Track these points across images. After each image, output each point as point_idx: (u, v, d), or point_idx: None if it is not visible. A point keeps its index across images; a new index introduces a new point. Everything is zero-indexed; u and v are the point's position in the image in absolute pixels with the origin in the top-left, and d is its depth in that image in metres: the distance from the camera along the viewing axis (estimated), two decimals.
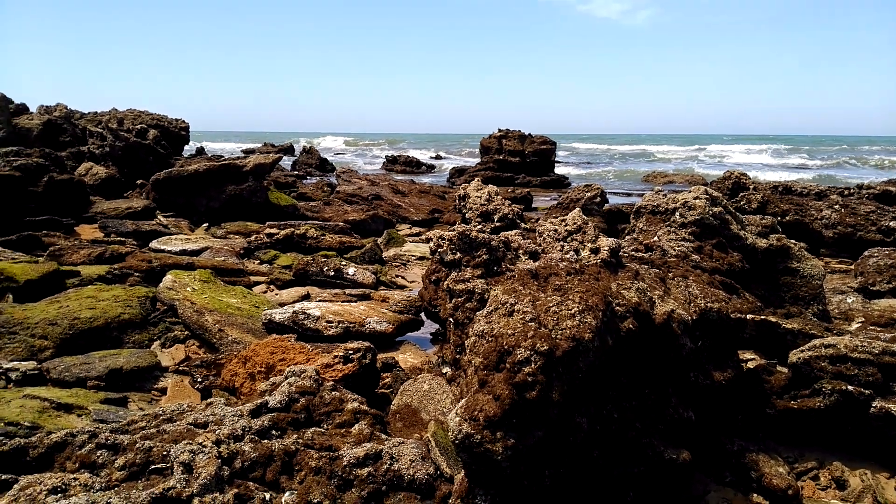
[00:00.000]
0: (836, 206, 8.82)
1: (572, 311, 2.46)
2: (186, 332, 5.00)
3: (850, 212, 8.72)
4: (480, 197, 5.17)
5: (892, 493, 3.13)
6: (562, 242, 3.66)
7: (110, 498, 2.07)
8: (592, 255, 3.40)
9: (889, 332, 3.95)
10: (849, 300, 5.51)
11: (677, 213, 4.91)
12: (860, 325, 4.28)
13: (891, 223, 8.42)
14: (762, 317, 4.24)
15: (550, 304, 2.51)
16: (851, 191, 9.36)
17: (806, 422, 3.44)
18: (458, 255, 3.82)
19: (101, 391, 3.88)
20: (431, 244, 4.13)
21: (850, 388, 3.28)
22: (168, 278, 5.53)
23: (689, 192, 5.11)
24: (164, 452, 2.37)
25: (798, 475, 3.29)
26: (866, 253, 6.54)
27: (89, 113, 24.86)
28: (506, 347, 2.31)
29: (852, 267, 7.02)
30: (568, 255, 3.45)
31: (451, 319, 3.66)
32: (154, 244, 7.86)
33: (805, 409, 3.39)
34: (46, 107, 23.73)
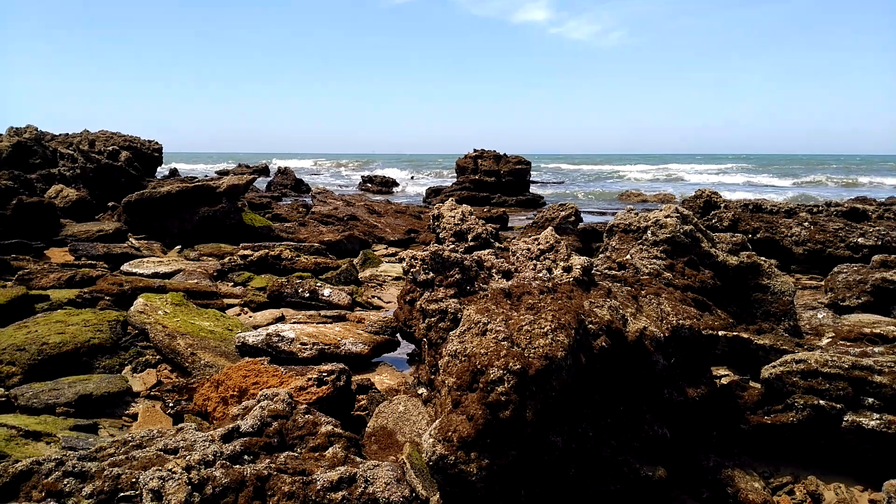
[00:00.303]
0: (806, 224, 8.97)
1: (545, 330, 2.47)
2: (158, 357, 4.92)
3: (820, 229, 8.87)
4: (454, 216, 5.18)
5: None
6: (535, 261, 3.67)
7: None
8: (565, 274, 3.42)
9: (858, 346, 4.01)
10: (819, 316, 5.59)
11: (649, 232, 4.97)
12: (830, 340, 4.34)
13: (859, 240, 8.58)
14: (734, 333, 4.28)
15: (523, 323, 2.51)
16: (820, 208, 9.52)
17: (780, 437, 3.46)
18: (431, 274, 3.82)
19: (71, 418, 3.80)
20: (404, 264, 4.12)
21: (821, 402, 3.31)
22: (139, 302, 5.45)
23: (661, 210, 5.17)
24: (133, 479, 2.32)
25: (773, 490, 3.30)
26: (836, 269, 6.65)
27: (60, 135, 24.57)
28: (479, 367, 2.31)
29: (822, 283, 7.13)
30: (541, 274, 3.47)
31: (425, 339, 3.65)
32: (125, 267, 7.75)
33: (778, 424, 3.42)
34: (16, 128, 23.40)
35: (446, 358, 2.45)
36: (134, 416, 4.05)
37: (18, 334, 4.62)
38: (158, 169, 24.26)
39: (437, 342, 3.44)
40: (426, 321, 3.51)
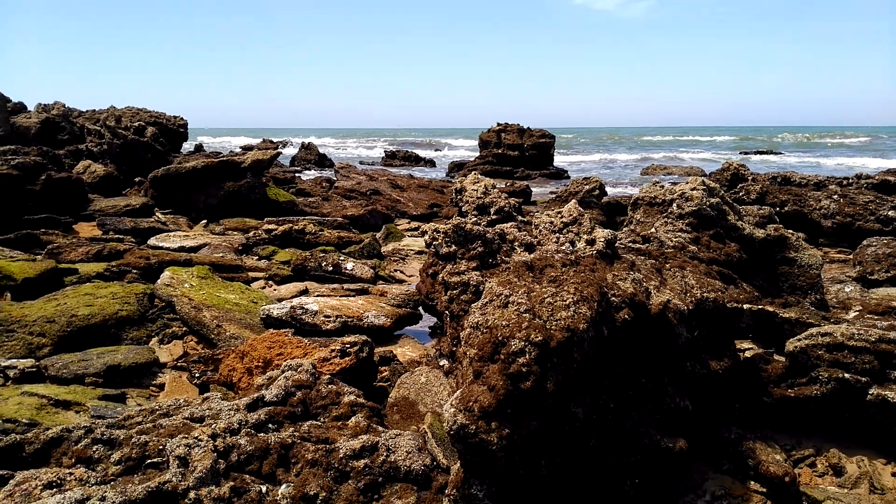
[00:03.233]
0: (835, 197, 8.82)
1: (567, 302, 2.46)
2: (184, 329, 5.00)
3: (849, 202, 8.71)
4: (477, 190, 5.17)
5: (888, 479, 3.13)
6: (557, 234, 3.65)
7: (106, 492, 2.07)
8: (588, 247, 3.40)
9: (886, 320, 3.96)
10: (847, 289, 5.51)
11: (674, 205, 4.91)
12: (857, 313, 4.28)
13: (889, 213, 8.41)
14: (760, 306, 4.24)
15: (545, 296, 2.51)
16: (850, 180, 9.34)
17: (803, 410, 3.44)
18: (454, 247, 3.82)
19: (99, 388, 3.88)
20: (426, 237, 4.13)
21: (846, 375, 3.28)
22: (166, 275, 5.53)
23: (687, 183, 5.11)
24: (160, 447, 2.37)
25: (795, 462, 3.29)
26: (865, 242, 6.54)
27: (87, 111, 24.85)
28: (500, 339, 2.31)
29: (850, 256, 7.02)
30: (563, 247, 3.45)
31: (447, 312, 3.66)
32: (152, 241, 7.86)
33: (802, 398, 3.40)
34: (44, 105, 23.71)
35: (468, 330, 2.45)
36: (161, 387, 4.13)
37: (48, 306, 4.72)
38: (184, 144, 24.47)
39: (459, 314, 3.45)
40: (448, 294, 3.52)
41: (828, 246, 8.56)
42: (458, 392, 2.32)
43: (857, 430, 3.38)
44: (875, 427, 3.32)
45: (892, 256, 6.06)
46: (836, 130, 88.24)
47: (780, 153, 40.79)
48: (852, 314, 4.26)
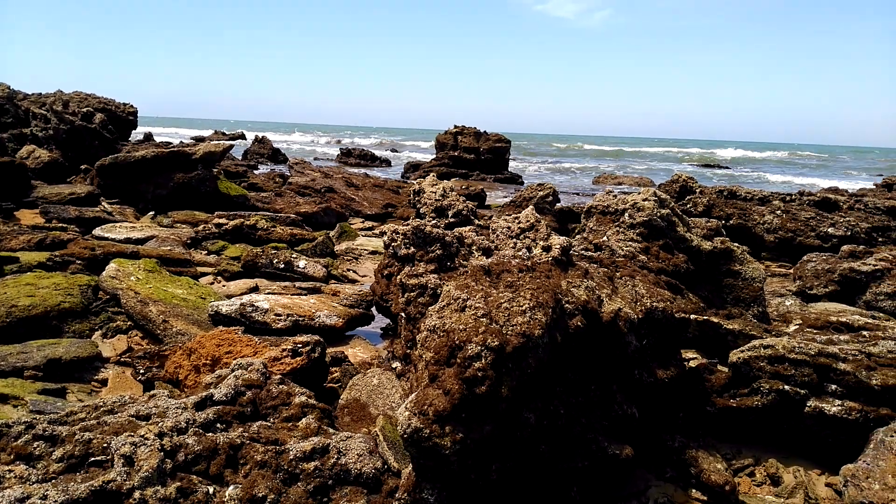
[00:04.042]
0: (778, 212, 9.10)
1: (523, 308, 2.49)
2: (129, 323, 4.88)
3: (791, 217, 9.00)
4: (435, 192, 5.17)
5: (822, 490, 3.25)
6: (514, 240, 3.69)
7: (47, 490, 2.01)
8: (544, 253, 3.44)
9: (824, 334, 4.10)
10: (787, 303, 5.69)
11: (626, 214, 5.00)
12: (797, 327, 4.43)
13: (829, 230, 8.73)
14: (705, 317, 4.35)
15: (502, 301, 2.53)
16: (793, 197, 9.66)
17: (744, 420, 3.55)
18: (412, 249, 3.82)
19: (39, 381, 3.76)
20: (385, 238, 4.12)
21: (786, 387, 3.39)
22: (111, 267, 5.39)
23: (639, 193, 5.21)
24: (105, 444, 2.31)
25: (735, 471, 3.39)
26: (805, 258, 6.77)
27: (33, 94, 24.01)
28: (457, 342, 2.32)
29: (791, 271, 7.26)
30: (520, 253, 3.48)
31: (402, 314, 3.66)
32: (97, 231, 7.64)
33: (744, 408, 3.50)
34: None
35: (425, 333, 2.46)
36: (103, 382, 4.02)
37: None
38: (133, 133, 23.83)
39: (416, 317, 3.45)
40: (405, 295, 3.52)
41: (770, 260, 8.83)
42: (413, 395, 2.32)
43: (795, 440, 3.51)
44: (812, 438, 3.44)
45: (831, 272, 6.29)
46: (790, 148, 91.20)
47: (727, 167, 41.92)
48: (793, 327, 4.40)
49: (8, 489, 1.98)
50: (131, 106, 22.61)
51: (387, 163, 31.22)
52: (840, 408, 3.30)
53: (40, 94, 23.80)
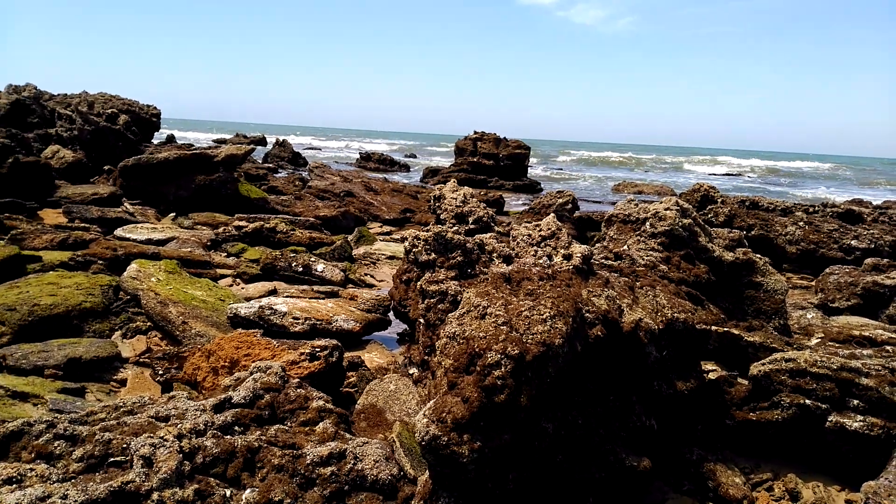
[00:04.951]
0: (801, 223, 9.00)
1: (544, 317, 2.47)
2: (149, 324, 4.91)
3: (814, 229, 8.90)
4: (456, 198, 5.17)
5: None
6: (535, 247, 3.68)
7: (67, 490, 2.02)
8: (565, 262, 3.42)
9: (847, 348, 4.04)
10: (809, 316, 5.63)
11: (648, 224, 4.97)
12: (819, 340, 4.37)
13: (852, 242, 8.62)
14: (725, 329, 4.31)
15: (522, 309, 2.52)
16: (816, 208, 9.55)
17: (764, 434, 3.50)
18: (433, 255, 3.82)
19: (59, 380, 3.80)
20: (406, 244, 4.11)
21: (807, 402, 3.34)
22: (132, 267, 5.43)
23: (661, 202, 5.17)
24: (124, 445, 2.32)
25: (754, 486, 3.34)
26: (827, 270, 6.69)
27: (59, 95, 24.33)
28: (476, 350, 2.31)
29: (813, 283, 7.17)
30: (541, 261, 3.47)
31: (421, 320, 3.65)
32: (119, 232, 7.72)
33: (763, 422, 3.45)
34: (15, 86, 23.16)
35: (444, 339, 2.45)
36: (122, 382, 4.05)
37: (10, 294, 4.60)
38: (156, 134, 24.09)
39: (435, 323, 3.45)
40: (425, 301, 3.52)
41: (791, 272, 8.73)
42: (432, 402, 2.31)
43: (815, 455, 3.45)
44: (832, 453, 3.39)
45: (854, 285, 6.21)
46: (812, 158, 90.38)
47: (752, 176, 41.59)
48: (814, 341, 4.34)
49: (29, 488, 1.99)
50: (155, 108, 22.85)
51: (405, 168, 31.29)
52: (862, 423, 3.25)
53: (66, 94, 24.12)
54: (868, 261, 6.78)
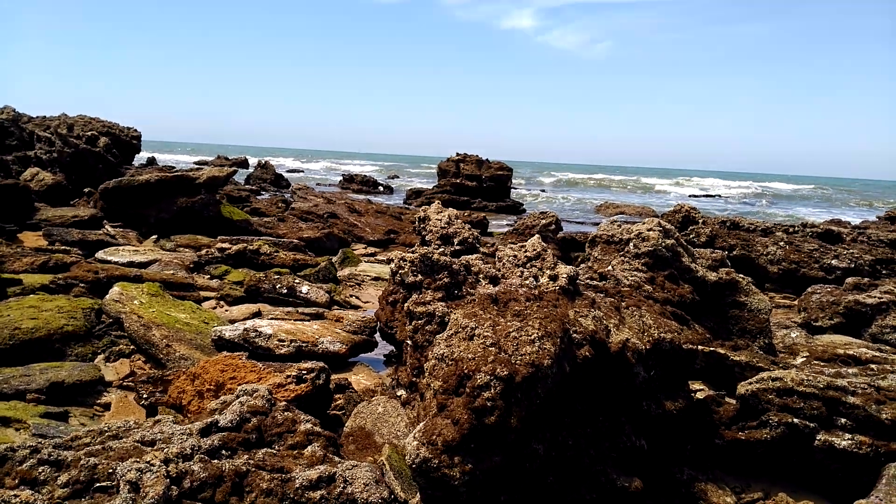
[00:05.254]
0: (782, 243, 9.11)
1: (532, 337, 2.47)
2: (132, 347, 4.85)
3: (795, 249, 9.01)
4: (441, 220, 5.18)
5: None
6: (521, 268, 3.69)
7: None
8: (551, 282, 3.43)
9: (832, 367, 4.08)
10: (793, 335, 5.67)
11: (631, 244, 5.01)
12: (805, 359, 4.41)
13: (832, 261, 8.73)
14: (711, 348, 4.33)
15: (510, 330, 2.52)
16: (796, 228, 9.68)
17: (753, 453, 3.51)
18: (419, 277, 3.81)
19: (41, 405, 3.73)
20: (392, 265, 4.11)
21: (795, 420, 3.36)
22: (115, 290, 5.37)
23: (643, 223, 5.21)
24: (110, 470, 2.28)
25: None
26: (809, 290, 6.76)
27: (38, 117, 24.14)
28: (465, 371, 2.31)
29: (796, 302, 7.24)
30: (527, 282, 3.48)
31: (409, 342, 3.64)
32: (101, 255, 7.64)
33: (752, 441, 3.47)
34: None
35: (433, 361, 2.44)
36: (106, 406, 3.99)
37: None
38: (136, 157, 23.96)
39: (423, 345, 3.43)
40: (413, 323, 3.51)
41: (773, 291, 8.81)
42: (421, 425, 2.30)
43: (805, 474, 3.46)
44: (821, 472, 3.40)
45: (836, 304, 6.27)
46: (787, 179, 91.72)
47: (726, 198, 42.10)
48: (800, 360, 4.38)
49: None
50: (135, 130, 22.76)
51: (389, 189, 31.33)
52: (850, 441, 3.27)
53: (45, 117, 23.94)
54: (849, 280, 6.86)
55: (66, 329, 4.68)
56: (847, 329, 6.07)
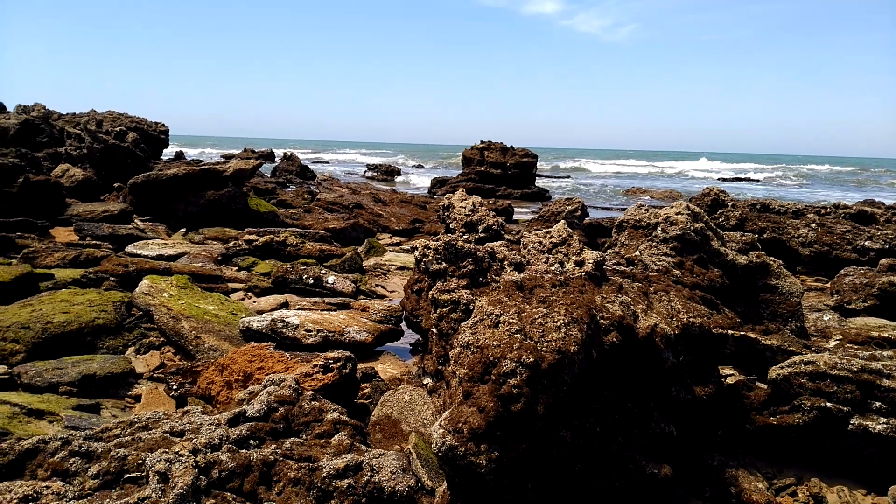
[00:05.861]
0: (813, 225, 8.94)
1: (558, 324, 2.45)
2: (162, 339, 4.91)
3: (827, 231, 8.83)
4: (465, 207, 5.16)
5: None
6: (546, 255, 3.65)
7: None
8: (577, 268, 3.39)
9: (866, 350, 3.99)
10: (825, 318, 5.57)
11: (659, 228, 4.94)
12: (838, 342, 4.32)
13: (866, 243, 8.54)
14: (742, 332, 4.26)
15: (536, 316, 2.49)
16: (828, 210, 9.48)
17: (785, 438, 3.45)
18: (444, 264, 3.80)
19: (74, 397, 3.79)
20: (416, 254, 4.10)
21: (828, 404, 3.29)
22: (144, 283, 5.44)
23: (672, 207, 5.14)
24: (140, 461, 2.31)
25: (777, 491, 3.29)
26: (842, 272, 6.62)
27: (67, 114, 24.55)
28: (491, 359, 2.29)
29: (828, 285, 7.11)
30: (553, 268, 3.44)
31: (434, 330, 3.63)
32: (130, 248, 7.74)
33: (784, 426, 3.41)
34: (24, 106, 23.41)
35: (458, 349, 2.43)
36: (137, 398, 4.04)
37: (23, 312, 4.61)
38: (164, 151, 24.25)
39: (448, 333, 3.42)
40: (437, 311, 3.49)
41: (805, 274, 8.65)
42: (447, 413, 2.29)
43: (839, 459, 3.39)
44: (856, 457, 3.33)
45: (870, 286, 6.14)
46: (820, 161, 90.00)
47: (758, 180, 41.47)
48: (833, 343, 4.29)
49: None
50: (163, 125, 23.02)
51: (412, 178, 31.36)
52: (885, 426, 3.19)
53: (74, 113, 24.33)
54: (883, 261, 6.71)
55: (98, 322, 4.75)
56: (881, 311, 5.95)
